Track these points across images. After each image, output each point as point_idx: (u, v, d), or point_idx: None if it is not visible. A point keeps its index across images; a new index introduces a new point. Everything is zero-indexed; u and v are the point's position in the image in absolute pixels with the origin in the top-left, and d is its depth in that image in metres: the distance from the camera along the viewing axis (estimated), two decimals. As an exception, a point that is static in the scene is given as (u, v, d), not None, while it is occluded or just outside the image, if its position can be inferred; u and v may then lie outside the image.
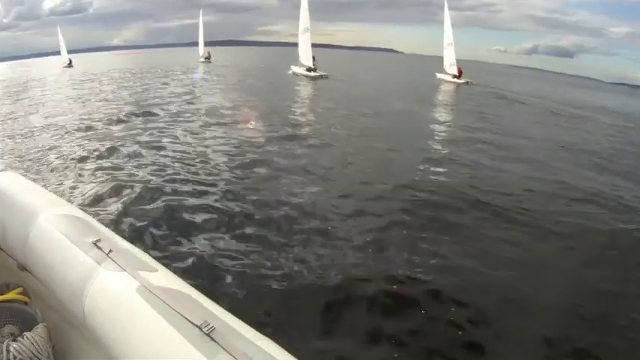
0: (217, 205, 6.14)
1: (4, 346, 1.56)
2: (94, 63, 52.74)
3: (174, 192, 6.54)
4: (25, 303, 1.87)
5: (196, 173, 7.57)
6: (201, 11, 51.61)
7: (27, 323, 1.75)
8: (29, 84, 27.37)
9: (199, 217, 5.72)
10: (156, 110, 14.01)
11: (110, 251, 1.65)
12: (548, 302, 4.35)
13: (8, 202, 2.09)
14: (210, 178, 7.36)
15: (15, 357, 1.53)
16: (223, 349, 1.21)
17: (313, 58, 29.70)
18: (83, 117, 13.18)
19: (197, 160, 8.32)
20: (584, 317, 4.21)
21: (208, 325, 1.27)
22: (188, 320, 1.30)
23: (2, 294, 1.88)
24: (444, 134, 13.48)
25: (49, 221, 1.86)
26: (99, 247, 1.67)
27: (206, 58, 45.39)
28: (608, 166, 10.56)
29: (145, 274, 1.53)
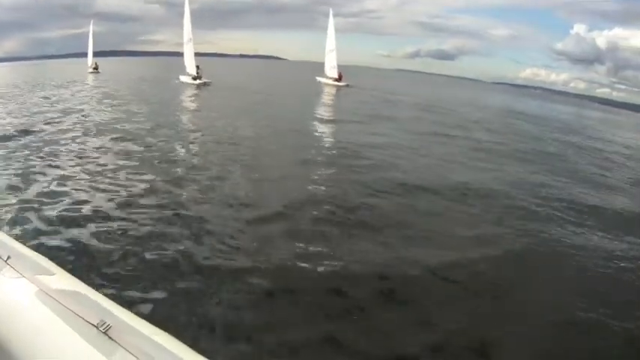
0: (113, 212, 6.25)
1: None
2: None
3: (71, 198, 6.71)
4: None
5: (89, 180, 7.76)
6: (92, 21, 50.65)
7: None
8: None
9: (96, 220, 5.88)
10: (46, 126, 13.23)
11: (8, 258, 1.65)
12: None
13: None
14: (95, 184, 7.55)
15: None
16: (120, 346, 1.26)
17: (197, 67, 31.67)
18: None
19: (85, 169, 8.43)
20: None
21: (105, 323, 1.30)
22: (85, 320, 1.33)
23: None
24: (320, 127, 16.37)
25: None
26: None
27: (94, 68, 45.11)
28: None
29: (43, 278, 1.55)
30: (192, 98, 25.07)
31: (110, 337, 1.28)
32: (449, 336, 4.04)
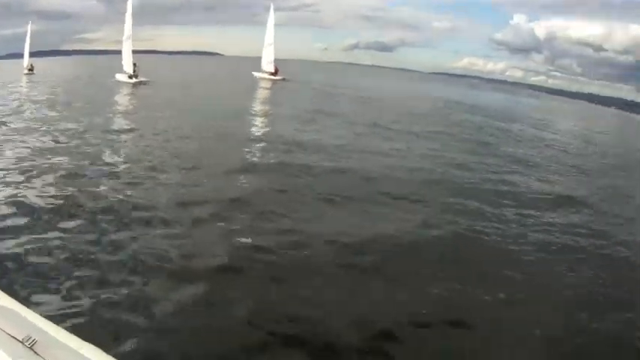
0: (37, 222, 6.16)
1: None
2: None
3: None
4: None
5: (10, 189, 7.50)
6: (30, 21, 48.98)
7: None
8: None
9: (19, 232, 5.72)
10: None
11: None
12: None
13: None
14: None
15: None
16: None
17: (134, 64, 31.75)
18: None
19: (5, 181, 8.09)
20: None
21: (30, 338, 1.29)
22: (10, 336, 1.31)
23: None
24: (257, 125, 17.23)
25: None
26: None
27: (29, 69, 43.94)
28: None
29: None
30: (128, 98, 25.07)
31: (36, 353, 1.26)
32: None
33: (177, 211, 6.80)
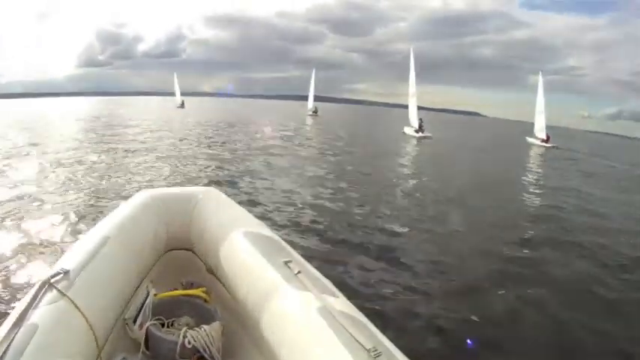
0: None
1: (182, 331, 1.81)
2: (202, 106, 58.85)
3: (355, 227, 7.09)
4: (205, 301, 2.12)
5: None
6: (314, 69, 55.29)
7: (204, 318, 1.98)
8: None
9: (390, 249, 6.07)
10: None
11: (298, 272, 1.82)
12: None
13: (206, 214, 2.45)
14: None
15: (189, 342, 1.77)
16: None
17: (420, 119, 33.50)
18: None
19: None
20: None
21: (376, 350, 1.37)
22: (359, 343, 1.41)
23: (187, 289, 2.19)
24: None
25: (242, 236, 2.11)
26: (289, 267, 1.85)
27: (313, 112, 49.74)
28: None
29: (326, 297, 1.67)
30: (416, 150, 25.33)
31: None
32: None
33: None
